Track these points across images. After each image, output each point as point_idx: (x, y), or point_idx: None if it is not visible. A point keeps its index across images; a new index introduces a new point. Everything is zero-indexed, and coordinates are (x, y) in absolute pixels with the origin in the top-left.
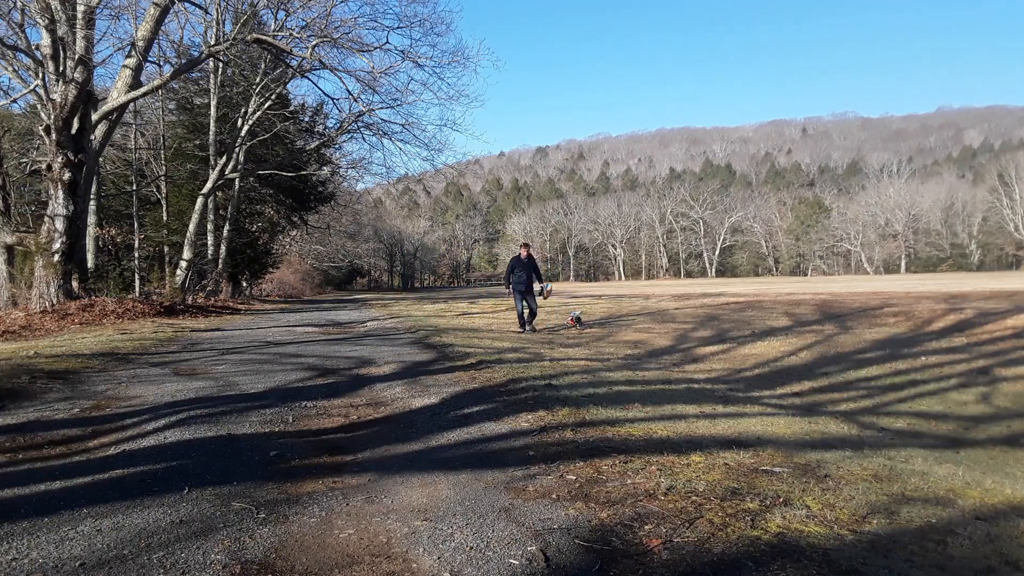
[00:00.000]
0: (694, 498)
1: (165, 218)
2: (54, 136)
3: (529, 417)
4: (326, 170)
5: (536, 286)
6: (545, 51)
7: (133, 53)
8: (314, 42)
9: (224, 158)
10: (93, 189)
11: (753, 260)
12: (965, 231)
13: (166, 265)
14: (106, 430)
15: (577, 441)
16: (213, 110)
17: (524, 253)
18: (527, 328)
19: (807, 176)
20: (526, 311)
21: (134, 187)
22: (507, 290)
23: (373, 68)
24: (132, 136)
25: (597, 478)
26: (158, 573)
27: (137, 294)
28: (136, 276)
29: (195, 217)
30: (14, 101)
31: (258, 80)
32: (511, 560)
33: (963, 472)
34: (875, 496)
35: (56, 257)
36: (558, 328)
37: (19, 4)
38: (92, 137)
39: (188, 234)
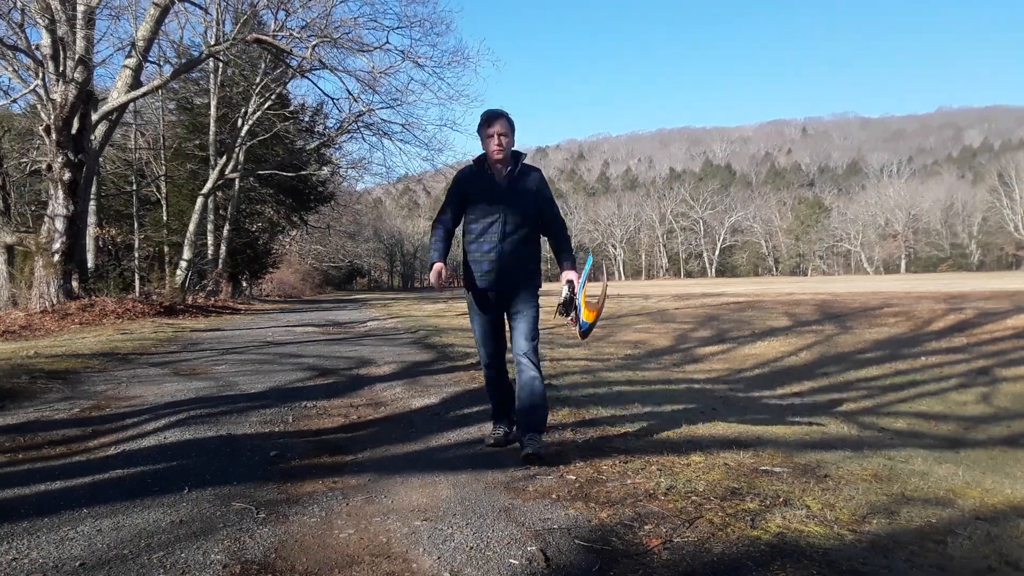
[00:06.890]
0: (694, 498)
1: (165, 218)
2: (54, 136)
3: None
4: (326, 170)
5: (566, 277)
6: (545, 50)
7: (133, 53)
8: (314, 42)
9: (224, 158)
10: (93, 189)
11: (753, 260)
12: (965, 231)
13: (166, 265)
14: (106, 430)
15: (577, 441)
16: (213, 110)
17: (497, 149)
18: (527, 444)
19: (807, 176)
20: (510, 367)
21: (134, 187)
22: (438, 286)
23: (373, 68)
24: (132, 136)
25: (597, 478)
26: (158, 573)
27: (137, 294)
28: (136, 276)
29: (195, 217)
30: (14, 101)
31: (258, 80)
32: (511, 560)
33: (963, 472)
34: (875, 496)
35: (56, 257)
36: (558, 328)
37: (19, 4)
38: (92, 137)
39: (188, 234)
